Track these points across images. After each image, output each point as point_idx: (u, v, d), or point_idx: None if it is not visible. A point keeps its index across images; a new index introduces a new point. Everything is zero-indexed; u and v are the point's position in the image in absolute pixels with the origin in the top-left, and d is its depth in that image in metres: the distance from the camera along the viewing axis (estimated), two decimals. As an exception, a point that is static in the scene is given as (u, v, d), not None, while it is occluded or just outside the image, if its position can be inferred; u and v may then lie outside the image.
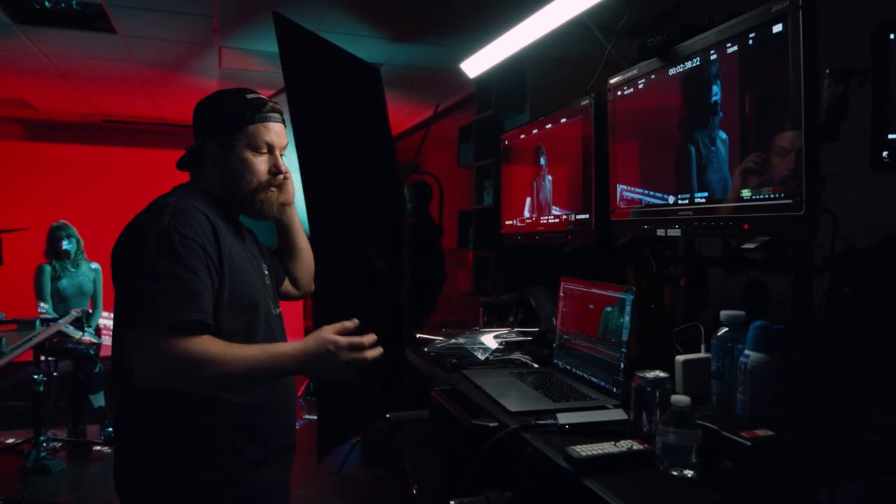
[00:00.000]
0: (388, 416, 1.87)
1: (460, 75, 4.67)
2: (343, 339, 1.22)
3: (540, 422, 1.36)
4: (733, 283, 1.82)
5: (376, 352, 1.26)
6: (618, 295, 1.61)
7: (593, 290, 1.73)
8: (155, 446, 1.26)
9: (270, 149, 1.40)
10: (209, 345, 1.16)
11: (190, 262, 1.19)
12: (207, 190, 1.39)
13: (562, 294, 1.90)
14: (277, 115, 1.42)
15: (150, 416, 1.26)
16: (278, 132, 1.41)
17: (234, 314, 1.28)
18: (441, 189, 4.66)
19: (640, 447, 1.19)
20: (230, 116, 1.36)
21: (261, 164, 1.38)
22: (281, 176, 1.42)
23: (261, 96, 1.41)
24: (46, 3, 3.62)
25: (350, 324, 1.26)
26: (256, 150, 1.37)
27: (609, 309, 1.65)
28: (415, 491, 3.30)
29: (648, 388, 1.28)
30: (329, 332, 1.24)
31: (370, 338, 1.25)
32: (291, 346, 1.25)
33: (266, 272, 1.48)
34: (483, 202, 4.52)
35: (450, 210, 4.98)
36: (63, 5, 3.64)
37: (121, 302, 1.21)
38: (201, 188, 1.40)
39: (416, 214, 4.42)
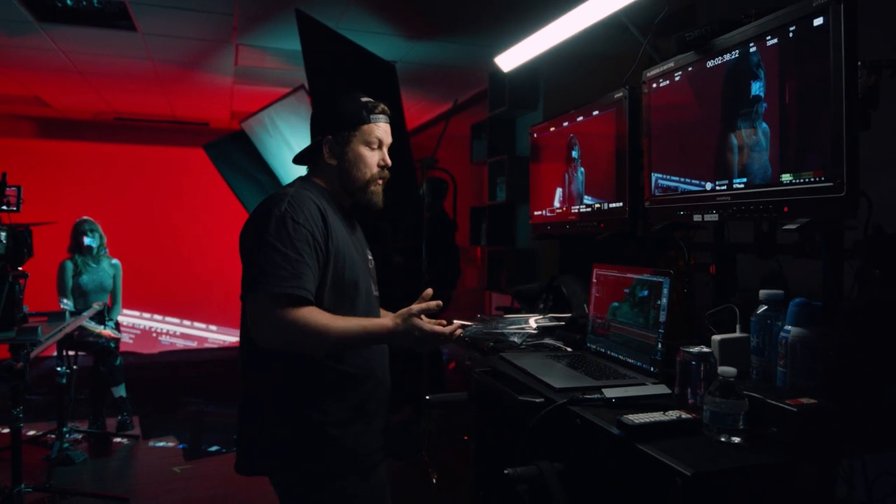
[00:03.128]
0: (427, 398, 1.93)
1: (473, 73, 4.78)
2: (427, 326, 1.43)
3: (587, 396, 1.43)
4: (751, 273, 1.89)
5: (454, 329, 1.48)
6: (655, 279, 1.68)
7: (628, 275, 1.80)
8: (266, 396, 1.48)
9: (380, 145, 1.61)
10: (316, 315, 1.38)
11: (299, 244, 1.40)
12: (323, 181, 1.60)
13: (595, 280, 1.97)
14: (386, 117, 1.62)
15: (263, 371, 1.49)
16: (386, 131, 1.62)
17: (336, 290, 1.49)
18: (455, 185, 4.73)
19: (689, 416, 1.26)
20: (348, 115, 1.57)
21: (372, 157, 1.59)
22: (387, 170, 1.62)
23: (373, 100, 1.61)
24: (69, 2, 3.67)
25: (434, 304, 1.46)
26: (369, 145, 1.58)
27: (645, 292, 1.72)
28: (434, 480, 3.36)
29: (693, 362, 1.35)
30: (415, 314, 1.43)
31: (452, 327, 1.48)
32: (384, 324, 1.45)
33: (370, 257, 1.70)
34: (497, 198, 4.59)
35: (461, 207, 5.05)
36: (85, 3, 3.69)
37: (244, 271, 1.43)
38: (317, 180, 1.60)
39: (432, 210, 4.48)
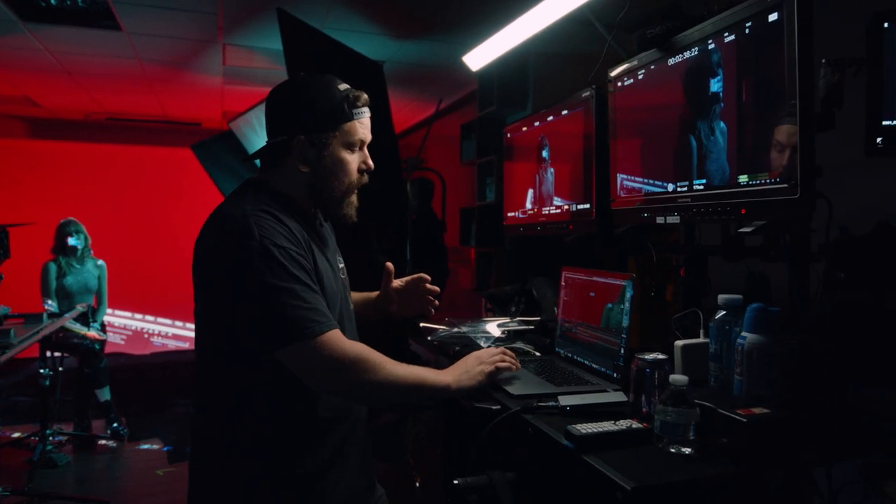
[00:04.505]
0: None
1: (463, 73, 4.73)
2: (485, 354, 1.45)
3: (542, 404, 1.39)
4: (734, 275, 1.85)
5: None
6: (618, 282, 1.64)
7: (594, 279, 1.76)
8: (231, 458, 1.24)
9: (362, 145, 1.33)
10: (368, 352, 1.21)
11: (296, 271, 1.16)
12: (284, 187, 1.29)
13: (563, 283, 1.93)
14: (369, 109, 1.34)
15: (227, 427, 1.24)
16: (368, 126, 1.34)
17: None
18: (444, 186, 4.69)
19: (640, 426, 1.22)
20: (327, 112, 1.26)
21: (353, 162, 1.31)
22: (366, 174, 1.35)
23: (353, 89, 1.32)
24: (52, 1, 3.65)
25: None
26: (350, 147, 1.30)
27: (610, 296, 1.68)
28: (417, 483, 3.32)
29: (648, 370, 1.31)
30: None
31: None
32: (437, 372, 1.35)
33: (341, 266, 1.43)
34: (486, 199, 4.55)
35: (452, 207, 5.01)
36: (69, 3, 3.67)
37: (241, 324, 1.19)
38: (274, 188, 1.29)
39: (420, 211, 4.45)
